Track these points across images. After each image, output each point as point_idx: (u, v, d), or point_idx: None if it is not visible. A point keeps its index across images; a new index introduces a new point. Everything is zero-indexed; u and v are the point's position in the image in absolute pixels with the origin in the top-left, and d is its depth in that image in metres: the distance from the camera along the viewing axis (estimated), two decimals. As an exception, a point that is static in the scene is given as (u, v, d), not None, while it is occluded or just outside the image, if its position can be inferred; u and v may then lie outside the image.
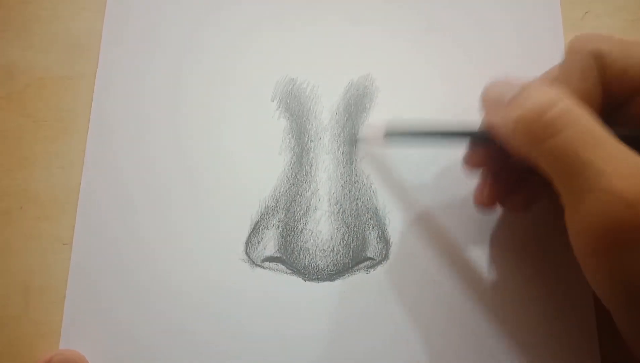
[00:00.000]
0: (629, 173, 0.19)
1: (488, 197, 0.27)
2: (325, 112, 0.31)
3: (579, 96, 0.23)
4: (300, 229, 0.29)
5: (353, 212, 0.29)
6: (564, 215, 0.21)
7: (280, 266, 0.29)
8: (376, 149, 0.30)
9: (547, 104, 0.21)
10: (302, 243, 0.29)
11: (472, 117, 0.27)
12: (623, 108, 0.24)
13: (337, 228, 0.29)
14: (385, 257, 0.29)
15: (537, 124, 0.21)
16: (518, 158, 0.23)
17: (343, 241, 0.29)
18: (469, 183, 0.29)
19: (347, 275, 0.29)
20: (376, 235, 0.29)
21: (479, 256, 0.29)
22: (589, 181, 0.19)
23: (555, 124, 0.20)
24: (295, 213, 0.29)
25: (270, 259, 0.29)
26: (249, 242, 0.29)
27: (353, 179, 0.30)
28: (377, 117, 0.31)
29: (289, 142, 0.31)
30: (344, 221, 0.29)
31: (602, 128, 0.20)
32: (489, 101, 0.24)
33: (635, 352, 0.21)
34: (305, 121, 0.31)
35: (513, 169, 0.26)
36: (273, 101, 0.31)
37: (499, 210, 0.29)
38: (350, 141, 0.31)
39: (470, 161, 0.27)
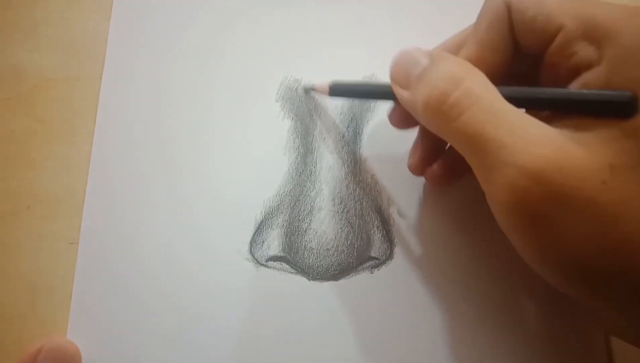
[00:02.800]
0: (530, 142, 0.19)
1: (414, 163, 0.27)
2: (330, 112, 0.31)
3: (486, 47, 0.23)
4: (304, 228, 0.29)
5: (357, 212, 0.29)
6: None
7: (285, 265, 0.29)
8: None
9: (450, 86, 0.21)
10: (306, 243, 0.29)
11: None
12: (541, 61, 0.23)
13: (341, 228, 0.29)
14: (390, 257, 0.29)
15: (441, 108, 0.21)
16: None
17: (347, 241, 0.29)
18: (475, 183, 0.29)
19: (351, 275, 0.29)
20: (380, 235, 0.29)
21: (484, 256, 0.29)
22: (493, 157, 0.19)
23: (458, 107, 0.20)
24: (300, 212, 0.29)
25: (275, 258, 0.29)
26: (253, 242, 0.29)
27: (357, 178, 0.30)
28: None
29: (294, 142, 0.31)
30: (348, 221, 0.29)
31: (503, 103, 0.20)
32: (397, 74, 0.24)
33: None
34: (309, 121, 0.31)
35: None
36: (278, 102, 0.31)
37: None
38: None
39: (393, 118, 0.28)
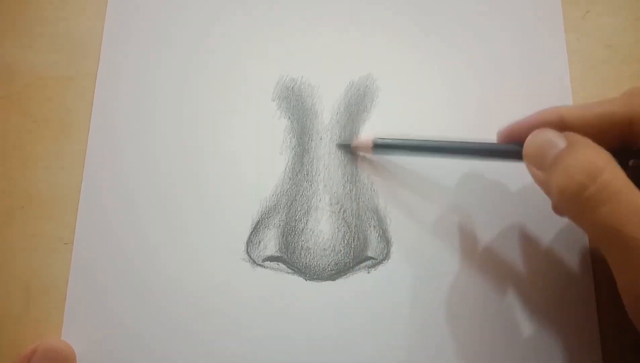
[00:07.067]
0: None
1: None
2: (326, 111, 0.31)
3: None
4: (301, 228, 0.29)
5: (354, 211, 0.29)
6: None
7: (281, 265, 0.29)
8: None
9: (588, 178, 0.21)
10: (303, 243, 0.29)
11: (471, 116, 0.28)
12: None
13: (338, 228, 0.29)
14: (386, 257, 0.29)
15: (578, 199, 0.21)
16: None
17: (344, 241, 0.29)
18: (471, 181, 0.29)
19: (348, 275, 0.29)
20: (377, 235, 0.29)
21: (480, 256, 0.29)
22: (631, 256, 0.19)
23: (595, 200, 0.20)
24: (296, 212, 0.29)
25: (271, 258, 0.29)
26: (249, 242, 0.29)
27: (354, 178, 0.30)
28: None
29: (290, 141, 0.31)
30: (345, 221, 0.29)
31: None
32: (532, 154, 0.24)
33: None
34: (306, 120, 0.31)
35: None
36: (274, 101, 0.31)
37: (502, 207, 0.29)
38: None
39: None
